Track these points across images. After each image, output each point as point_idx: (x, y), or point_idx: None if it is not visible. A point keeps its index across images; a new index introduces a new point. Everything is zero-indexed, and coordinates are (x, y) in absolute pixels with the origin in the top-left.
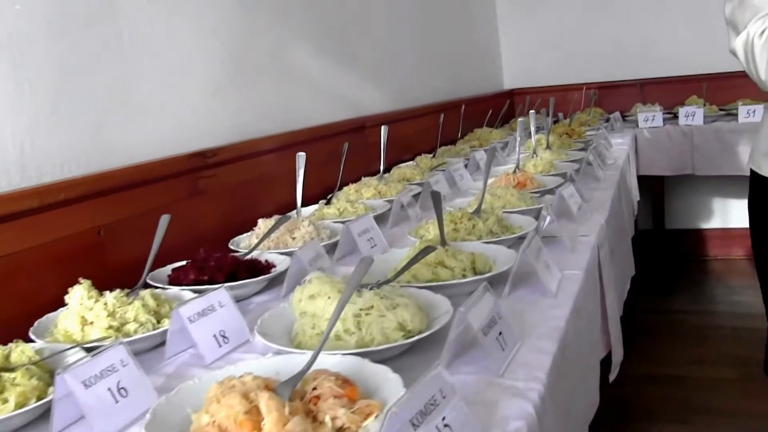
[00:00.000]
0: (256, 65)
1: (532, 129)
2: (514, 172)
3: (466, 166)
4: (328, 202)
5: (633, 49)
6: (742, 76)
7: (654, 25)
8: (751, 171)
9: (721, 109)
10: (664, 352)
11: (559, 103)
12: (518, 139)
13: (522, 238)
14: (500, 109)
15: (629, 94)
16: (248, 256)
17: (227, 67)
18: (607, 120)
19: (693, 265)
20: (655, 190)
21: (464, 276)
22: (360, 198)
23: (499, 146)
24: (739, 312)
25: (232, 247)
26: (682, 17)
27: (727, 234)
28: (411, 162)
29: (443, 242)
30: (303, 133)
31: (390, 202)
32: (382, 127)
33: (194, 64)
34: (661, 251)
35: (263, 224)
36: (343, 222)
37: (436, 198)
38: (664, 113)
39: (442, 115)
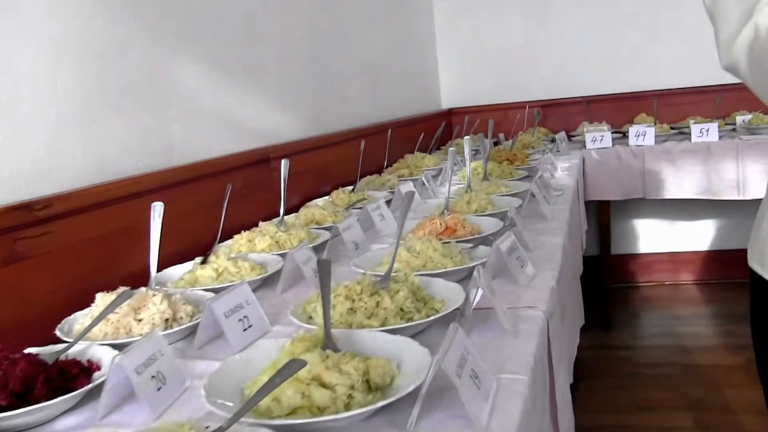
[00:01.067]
0: (120, 87)
1: (467, 156)
2: (443, 213)
3: (389, 202)
4: (204, 261)
5: (578, 65)
6: (692, 92)
7: (599, 40)
8: (752, 271)
9: (672, 128)
10: (609, 398)
11: (500, 123)
12: (449, 171)
13: (446, 318)
14: (436, 130)
15: (575, 113)
16: (65, 354)
17: (76, 92)
18: (553, 141)
19: (639, 291)
20: (602, 214)
21: (350, 399)
22: (252, 250)
23: (431, 175)
24: (691, 346)
25: (59, 334)
26: (629, 32)
27: (675, 258)
28: (327, 197)
29: (327, 340)
30: (185, 170)
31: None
32: (283, 160)
33: (27, 87)
34: (606, 278)
35: (102, 300)
36: (216, 290)
37: (324, 269)
38: (612, 132)
39: (362, 141)
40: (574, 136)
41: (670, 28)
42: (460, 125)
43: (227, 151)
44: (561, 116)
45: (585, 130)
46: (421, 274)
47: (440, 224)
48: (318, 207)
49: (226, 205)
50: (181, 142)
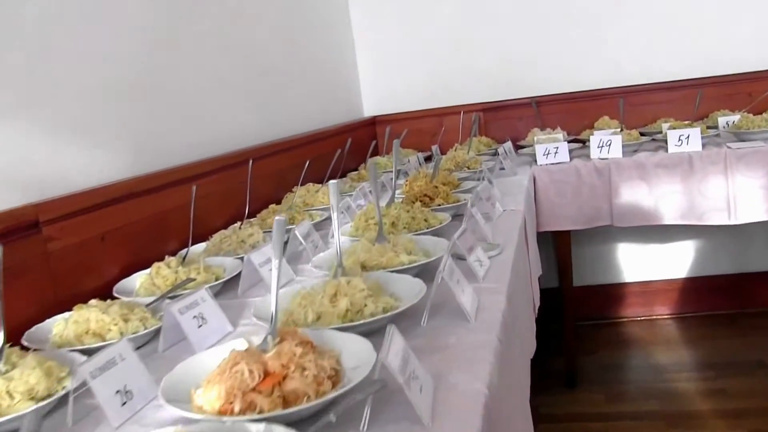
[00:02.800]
0: None
1: (372, 192)
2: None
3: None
4: None
5: (523, 59)
6: (663, 88)
7: (547, 29)
8: None
9: (642, 134)
10: None
11: (435, 132)
12: (335, 223)
13: None
14: (359, 143)
15: (522, 117)
16: None
17: None
18: (495, 153)
19: (608, 330)
20: (560, 244)
21: None
22: None
23: (308, 229)
24: (677, 412)
25: None
26: (583, 17)
27: (647, 289)
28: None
29: None
30: None
31: None
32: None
33: None
34: (568, 314)
35: None
36: None
37: None
38: (569, 141)
39: (250, 162)
40: (522, 147)
41: (635, 11)
42: (390, 135)
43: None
44: (506, 122)
45: (535, 139)
46: None
47: (251, 375)
48: (95, 310)
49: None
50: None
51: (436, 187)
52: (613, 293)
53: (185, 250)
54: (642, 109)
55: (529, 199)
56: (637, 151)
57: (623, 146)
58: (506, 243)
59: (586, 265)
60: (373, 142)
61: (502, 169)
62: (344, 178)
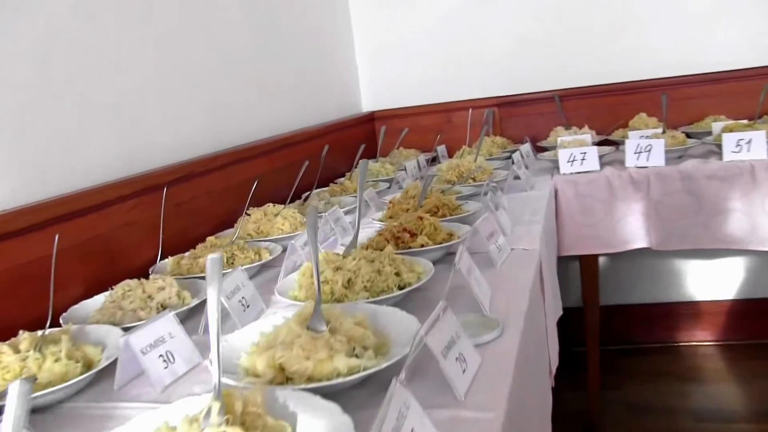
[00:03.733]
0: None
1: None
2: None
3: None
4: None
5: (544, 47)
6: (711, 80)
7: (574, 14)
8: None
9: (689, 136)
10: None
11: (444, 130)
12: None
13: None
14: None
15: (543, 113)
16: None
17: None
18: (511, 156)
19: (639, 359)
20: (585, 264)
21: None
22: None
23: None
24: None
25: None
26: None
27: (688, 311)
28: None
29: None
30: None
31: None
32: None
33: None
34: (591, 341)
35: None
36: None
37: None
38: (598, 143)
39: (164, 189)
40: (543, 149)
41: None
42: (388, 133)
43: None
44: (524, 119)
45: (558, 140)
46: None
47: None
48: None
49: None
50: None
51: (421, 218)
52: (647, 315)
53: (66, 314)
54: (685, 105)
55: (549, 222)
56: (682, 158)
57: (666, 152)
58: (509, 314)
59: (614, 282)
60: (363, 147)
61: (517, 178)
62: (326, 188)
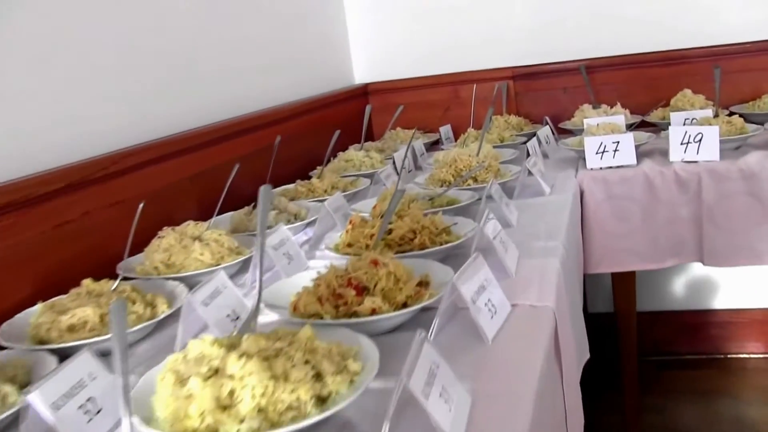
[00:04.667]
0: None
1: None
2: None
3: None
4: None
5: (570, 8)
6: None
7: None
8: None
9: (744, 119)
10: None
11: (450, 107)
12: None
13: None
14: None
15: (567, 87)
16: None
17: None
18: (526, 141)
19: (682, 373)
20: (618, 280)
21: None
22: None
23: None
24: None
25: None
26: None
27: (737, 319)
28: None
29: None
30: None
31: None
32: None
33: None
34: (627, 353)
35: None
36: None
37: None
38: (633, 127)
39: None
40: (566, 132)
41: None
42: (384, 110)
43: None
44: (544, 94)
45: (585, 124)
46: None
47: None
48: None
49: None
50: None
51: (376, 263)
52: (690, 323)
53: None
54: (738, 79)
55: (572, 245)
56: (740, 149)
57: (721, 142)
58: None
59: (653, 285)
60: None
61: (530, 174)
62: (291, 186)
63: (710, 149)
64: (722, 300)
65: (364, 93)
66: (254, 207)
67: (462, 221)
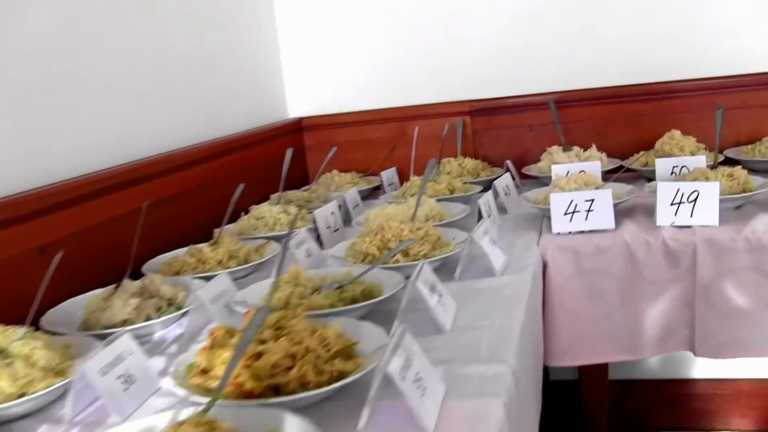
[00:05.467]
0: None
1: None
2: None
3: None
4: None
5: (537, 33)
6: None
7: None
8: None
9: (746, 167)
10: None
11: (398, 143)
12: None
13: None
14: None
15: (534, 125)
16: None
17: None
18: (484, 190)
19: None
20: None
21: None
22: None
23: None
24: None
25: None
26: None
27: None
28: None
29: None
30: None
31: None
32: None
33: None
34: (596, 423)
35: None
36: None
37: None
38: (612, 173)
39: None
40: (531, 178)
41: None
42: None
43: None
44: (507, 132)
45: (553, 170)
46: None
47: None
48: None
49: None
50: None
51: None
52: (668, 394)
53: None
54: (733, 117)
55: (530, 351)
56: (742, 207)
57: (722, 200)
58: None
59: None
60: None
61: (487, 237)
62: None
63: (708, 212)
64: (704, 369)
65: (298, 129)
66: (117, 287)
67: (370, 333)
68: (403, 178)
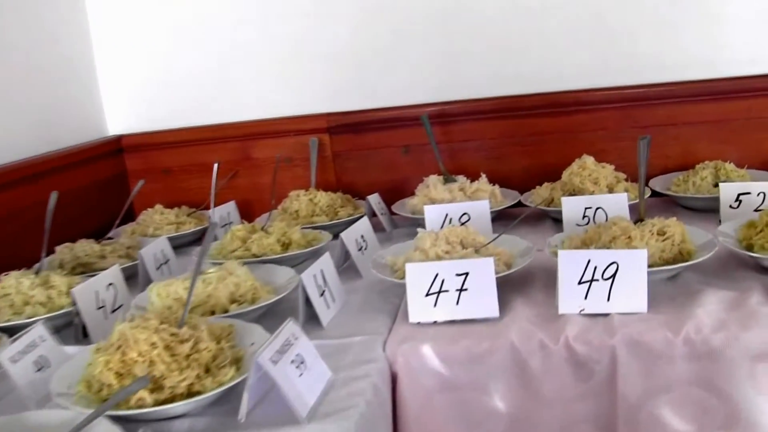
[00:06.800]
0: None
1: None
2: None
3: None
4: None
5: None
6: (711, 94)
7: None
8: None
9: (684, 207)
10: None
11: (242, 168)
12: None
13: None
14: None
15: (410, 145)
16: None
17: None
18: (336, 237)
19: None
20: None
21: None
22: None
23: None
24: None
25: None
26: None
27: None
28: None
29: None
30: None
31: None
32: None
33: None
34: None
35: None
36: None
37: None
38: (509, 229)
39: None
40: (404, 219)
41: None
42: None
43: None
44: (376, 155)
45: (426, 215)
46: None
47: None
48: None
49: None
50: None
51: None
52: None
53: None
54: (659, 138)
55: None
56: (678, 278)
57: (650, 273)
58: None
59: None
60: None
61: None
62: None
63: (633, 294)
64: None
65: (117, 148)
66: None
67: None
68: (245, 214)
